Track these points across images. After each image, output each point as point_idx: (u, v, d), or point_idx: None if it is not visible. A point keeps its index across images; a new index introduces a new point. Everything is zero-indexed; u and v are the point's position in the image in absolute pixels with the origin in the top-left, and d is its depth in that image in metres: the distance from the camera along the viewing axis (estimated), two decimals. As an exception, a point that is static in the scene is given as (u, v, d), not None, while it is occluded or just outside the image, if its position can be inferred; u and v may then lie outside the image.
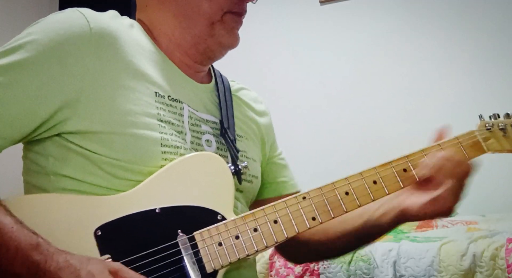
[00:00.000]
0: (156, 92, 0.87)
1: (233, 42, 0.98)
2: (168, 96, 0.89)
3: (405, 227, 2.30)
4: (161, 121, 0.85)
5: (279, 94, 3.26)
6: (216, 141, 0.95)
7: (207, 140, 0.93)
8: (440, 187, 0.89)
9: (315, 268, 1.99)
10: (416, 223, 2.36)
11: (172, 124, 0.87)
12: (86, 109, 0.81)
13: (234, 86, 1.10)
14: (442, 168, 0.89)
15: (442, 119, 3.30)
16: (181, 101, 0.91)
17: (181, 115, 0.90)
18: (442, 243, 1.88)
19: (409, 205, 0.92)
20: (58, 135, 0.82)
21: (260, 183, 1.05)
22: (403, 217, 0.95)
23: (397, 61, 3.09)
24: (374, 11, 3.15)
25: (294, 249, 1.06)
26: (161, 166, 0.83)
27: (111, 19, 0.89)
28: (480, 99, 2.85)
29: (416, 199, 0.91)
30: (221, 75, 1.09)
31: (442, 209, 0.90)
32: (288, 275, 2.02)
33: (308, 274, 2.01)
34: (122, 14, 0.97)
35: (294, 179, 1.14)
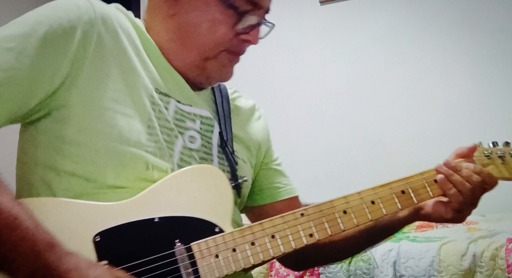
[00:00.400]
0: (146, 85, 0.89)
1: (223, 78, 0.98)
2: (156, 88, 0.90)
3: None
4: (149, 117, 0.87)
5: (279, 94, 3.26)
6: (202, 138, 0.95)
7: (191, 136, 0.94)
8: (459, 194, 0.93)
9: (315, 268, 1.99)
10: (416, 223, 2.36)
11: (158, 118, 0.88)
12: (83, 83, 0.82)
13: (231, 94, 1.10)
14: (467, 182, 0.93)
15: (443, 120, 3.31)
16: (169, 96, 0.92)
17: (167, 108, 0.91)
18: (442, 243, 1.88)
19: (425, 204, 0.96)
20: (48, 115, 0.83)
21: (250, 184, 1.05)
22: (416, 215, 0.99)
23: (397, 61, 3.08)
24: (374, 11, 3.15)
25: (301, 255, 1.05)
26: (147, 152, 0.84)
27: (115, 9, 0.92)
28: (481, 100, 2.85)
29: (433, 199, 0.95)
30: (219, 85, 1.09)
31: (455, 214, 0.94)
32: (288, 275, 2.02)
33: (308, 274, 2.01)
34: None
35: (291, 185, 1.14)
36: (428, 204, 0.98)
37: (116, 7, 0.94)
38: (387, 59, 3.10)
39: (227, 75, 0.98)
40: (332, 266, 1.96)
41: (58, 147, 0.83)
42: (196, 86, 0.99)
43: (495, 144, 0.97)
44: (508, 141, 0.96)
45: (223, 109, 1.03)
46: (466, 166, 0.94)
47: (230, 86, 1.12)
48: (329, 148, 3.14)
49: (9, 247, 0.69)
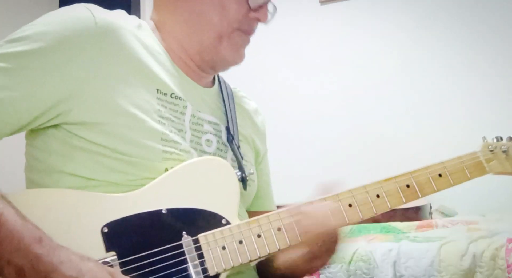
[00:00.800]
0: (158, 89, 0.88)
1: (237, 59, 0.99)
2: (172, 94, 0.90)
3: (405, 227, 2.30)
4: (162, 117, 0.86)
5: (279, 94, 3.26)
6: (217, 142, 0.95)
7: (208, 140, 0.94)
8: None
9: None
10: (416, 223, 2.36)
11: (172, 121, 0.88)
12: (88, 100, 0.82)
13: (236, 93, 1.11)
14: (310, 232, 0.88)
15: (443, 119, 3.31)
16: (184, 100, 0.92)
17: (182, 113, 0.91)
18: (442, 243, 1.88)
19: (286, 259, 0.94)
20: (60, 126, 0.83)
21: (256, 187, 1.05)
22: (288, 269, 0.95)
23: (396, 60, 3.09)
24: (374, 11, 3.15)
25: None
26: (163, 159, 0.84)
27: (118, 17, 0.90)
28: (481, 99, 2.86)
29: (292, 253, 0.92)
30: (224, 82, 1.10)
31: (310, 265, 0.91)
32: (288, 275, 2.02)
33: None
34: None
35: (272, 198, 1.15)
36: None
37: (119, 15, 0.92)
38: (386, 58, 3.11)
39: (240, 57, 0.99)
40: (332, 266, 1.96)
41: (71, 154, 0.83)
42: (206, 77, 0.99)
43: (498, 139, 0.98)
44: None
45: (229, 105, 1.03)
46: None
47: (233, 85, 1.13)
48: (328, 146, 3.15)
49: None
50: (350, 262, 1.94)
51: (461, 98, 2.91)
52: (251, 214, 0.94)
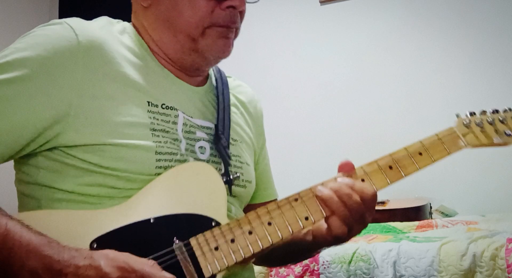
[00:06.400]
0: (148, 102, 0.87)
1: (219, 54, 0.93)
2: (162, 104, 0.88)
3: (405, 227, 2.30)
4: (155, 130, 0.85)
5: (279, 94, 3.26)
6: (211, 148, 0.94)
7: (201, 147, 0.92)
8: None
9: (315, 268, 1.99)
10: (416, 223, 2.36)
11: (167, 132, 0.87)
12: (77, 122, 0.80)
13: (231, 83, 1.08)
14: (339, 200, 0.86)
15: (441, 118, 3.32)
16: (175, 108, 0.90)
17: (174, 123, 0.89)
18: (442, 243, 1.88)
19: (318, 227, 0.91)
20: (53, 148, 0.82)
21: (254, 187, 1.04)
22: (315, 238, 0.93)
23: (396, 60, 3.09)
24: (374, 11, 3.15)
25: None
26: (156, 174, 0.83)
27: (101, 29, 0.88)
28: (479, 97, 2.86)
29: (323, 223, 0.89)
30: (219, 71, 1.06)
31: (333, 235, 0.87)
32: (288, 275, 2.02)
33: (308, 274, 2.01)
34: (119, 17, 0.96)
35: (274, 187, 1.14)
36: (322, 224, 0.90)
37: (102, 26, 0.89)
38: (386, 58, 3.11)
39: (224, 49, 0.92)
40: (332, 266, 1.96)
41: (61, 170, 0.82)
42: (198, 74, 0.97)
43: (472, 113, 0.99)
44: (485, 109, 0.98)
45: (223, 99, 1.01)
46: (341, 183, 0.87)
47: (228, 74, 1.10)
48: (328, 146, 3.15)
49: (6, 254, 0.69)
50: (350, 262, 1.94)
51: (460, 97, 2.91)
52: (255, 206, 0.91)
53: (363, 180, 0.90)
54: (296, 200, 0.87)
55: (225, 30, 0.91)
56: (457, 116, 1.01)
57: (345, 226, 0.86)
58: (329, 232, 0.87)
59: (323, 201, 0.86)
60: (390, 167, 0.92)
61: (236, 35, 0.95)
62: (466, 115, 1.00)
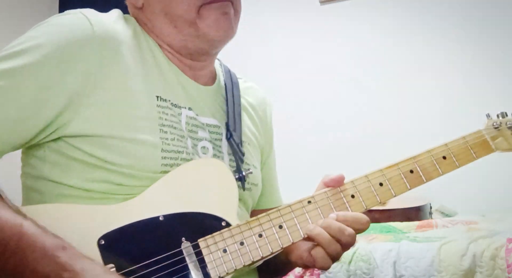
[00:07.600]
0: (158, 96, 0.86)
1: (223, 34, 0.91)
2: (169, 100, 0.88)
3: (405, 227, 2.30)
4: (163, 125, 0.84)
5: (279, 94, 3.25)
6: (213, 148, 0.93)
7: (203, 147, 0.92)
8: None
9: (315, 268, 1.99)
10: (416, 223, 2.36)
11: (174, 128, 0.86)
12: (87, 111, 0.80)
13: (241, 84, 1.07)
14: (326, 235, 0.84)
15: (444, 118, 3.30)
16: (180, 106, 0.90)
17: (180, 121, 0.88)
18: (442, 243, 1.87)
19: (294, 249, 0.89)
20: (59, 139, 0.81)
21: (260, 190, 1.03)
22: (287, 259, 0.92)
23: (396, 60, 3.09)
24: (374, 11, 3.15)
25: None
26: (161, 172, 0.82)
27: (115, 21, 0.88)
28: (482, 97, 2.85)
29: (302, 245, 0.87)
30: (229, 71, 1.05)
31: (315, 263, 0.86)
32: (287, 275, 2.02)
33: (308, 274, 2.00)
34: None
35: (279, 193, 1.14)
36: (302, 248, 0.88)
37: (116, 19, 0.89)
38: (386, 58, 3.11)
39: (224, 27, 0.90)
40: (333, 265, 1.95)
41: (67, 165, 0.81)
42: (204, 73, 0.96)
43: (504, 115, 0.93)
44: None
45: (233, 99, 1.00)
46: (331, 220, 0.83)
47: (239, 75, 1.09)
48: (329, 146, 3.15)
49: (19, 256, 0.68)
50: (350, 262, 1.94)
51: (460, 96, 2.91)
52: (258, 212, 0.90)
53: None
54: (309, 202, 0.86)
55: (219, 4, 0.89)
56: (487, 116, 0.94)
57: (331, 261, 0.85)
58: (312, 262, 0.85)
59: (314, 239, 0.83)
60: (411, 171, 0.90)
61: (236, 13, 0.93)
62: (497, 116, 0.94)
